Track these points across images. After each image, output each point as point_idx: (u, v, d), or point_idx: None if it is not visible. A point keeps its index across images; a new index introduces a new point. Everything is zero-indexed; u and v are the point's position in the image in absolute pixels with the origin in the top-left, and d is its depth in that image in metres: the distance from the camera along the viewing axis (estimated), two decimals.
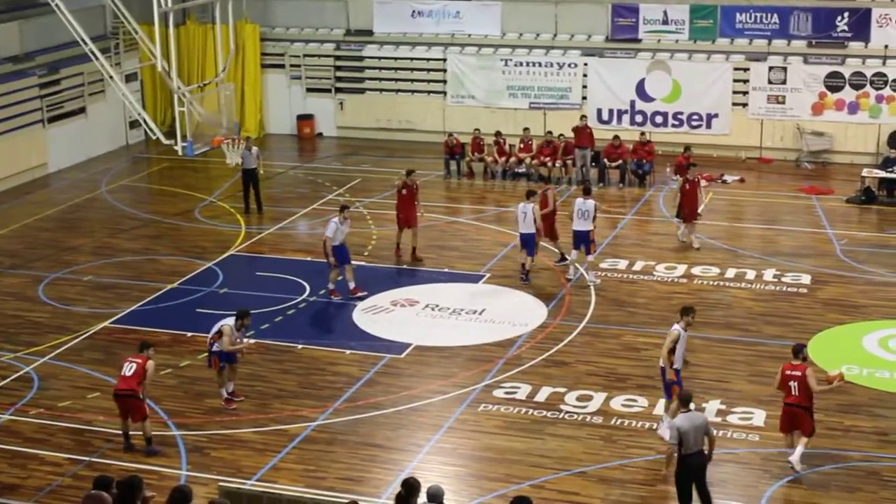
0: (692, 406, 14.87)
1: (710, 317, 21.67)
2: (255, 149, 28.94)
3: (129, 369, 16.82)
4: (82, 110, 34.46)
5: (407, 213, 25.04)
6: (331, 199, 29.28)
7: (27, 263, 25.39)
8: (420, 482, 12.83)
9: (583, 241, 23.49)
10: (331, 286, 23.01)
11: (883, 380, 19.04)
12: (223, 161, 30.32)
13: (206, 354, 18.89)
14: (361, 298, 22.71)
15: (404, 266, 24.70)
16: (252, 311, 21.94)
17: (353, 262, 23.17)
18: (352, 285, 22.91)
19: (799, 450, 16.05)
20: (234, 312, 18.54)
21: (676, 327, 16.89)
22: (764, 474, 16.11)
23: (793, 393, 16.02)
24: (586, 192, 23.89)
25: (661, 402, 17.70)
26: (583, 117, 31.93)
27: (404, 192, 25.07)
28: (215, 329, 18.36)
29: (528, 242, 23.39)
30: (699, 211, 25.81)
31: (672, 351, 16.76)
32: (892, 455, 16.61)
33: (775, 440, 16.92)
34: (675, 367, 16.84)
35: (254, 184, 28.79)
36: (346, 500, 13.59)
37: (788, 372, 16.10)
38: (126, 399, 16.78)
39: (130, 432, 16.97)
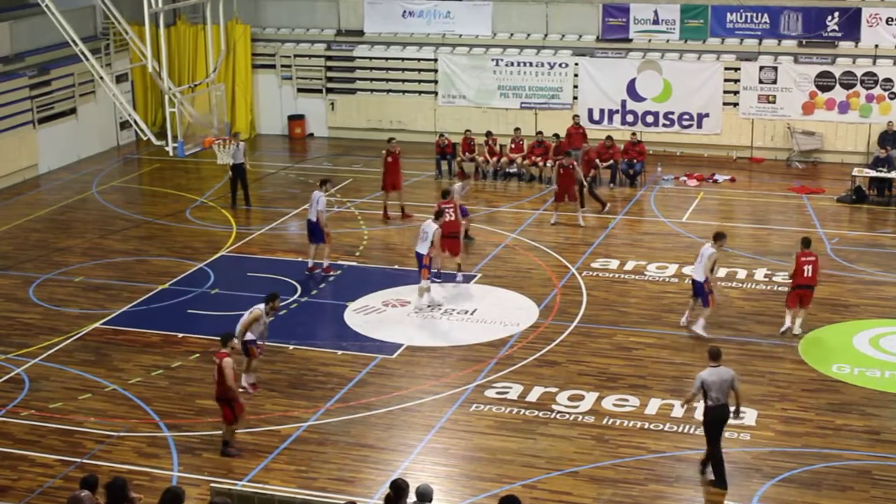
0: (720, 362, 15.81)
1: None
2: (242, 144, 29.21)
3: (215, 373, 16.62)
4: (73, 111, 34.39)
5: (393, 177, 27.76)
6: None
7: (18, 264, 25.34)
8: (408, 483, 12.82)
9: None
10: (326, 263, 24.19)
11: (874, 379, 19.07)
12: (214, 161, 30.33)
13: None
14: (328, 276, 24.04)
15: (395, 266, 24.70)
16: (243, 313, 22.03)
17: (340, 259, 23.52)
18: (326, 263, 24.32)
19: (799, 321, 20.61)
20: (264, 296, 18.93)
21: (712, 250, 20.51)
22: (755, 473, 16.14)
23: (806, 275, 20.43)
24: (436, 216, 22.61)
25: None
26: (575, 117, 31.96)
27: (389, 159, 27.72)
28: (247, 316, 18.46)
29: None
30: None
31: (711, 269, 20.59)
32: (882, 454, 16.64)
33: (767, 439, 16.98)
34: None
35: (242, 178, 29.06)
36: (336, 501, 13.58)
37: (803, 259, 20.49)
38: (220, 402, 16.74)
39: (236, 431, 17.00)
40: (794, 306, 20.67)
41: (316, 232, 24.07)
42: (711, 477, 15.88)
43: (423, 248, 22.19)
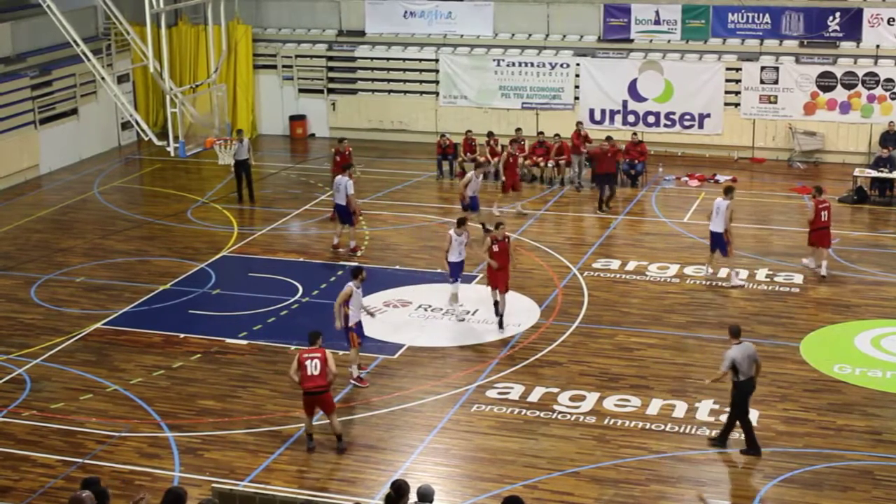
0: (742, 338, 16.64)
1: (703, 317, 21.69)
2: (245, 140, 29.45)
3: (313, 367, 16.61)
4: (74, 111, 34.40)
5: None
6: (323, 200, 29.24)
7: (19, 265, 25.34)
8: (409, 484, 12.81)
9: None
10: (347, 242, 25.53)
11: (875, 379, 19.06)
12: (216, 162, 30.37)
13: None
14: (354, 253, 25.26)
15: (397, 266, 24.70)
16: (244, 313, 22.08)
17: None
18: (337, 241, 25.66)
19: (824, 264, 23.36)
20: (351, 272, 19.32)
21: (727, 202, 22.94)
22: (757, 474, 16.14)
23: (822, 218, 23.34)
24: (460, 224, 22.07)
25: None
26: (578, 124, 31.62)
27: (338, 158, 28.30)
28: (340, 297, 18.78)
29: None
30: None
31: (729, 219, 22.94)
32: (884, 454, 16.64)
33: (768, 440, 16.97)
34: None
35: (246, 174, 29.32)
36: (338, 502, 13.57)
37: (820, 206, 23.38)
38: (319, 396, 16.70)
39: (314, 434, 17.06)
40: (815, 246, 23.61)
41: (344, 214, 25.10)
42: (730, 448, 16.68)
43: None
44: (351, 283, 18.91)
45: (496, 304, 21.33)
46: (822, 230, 23.55)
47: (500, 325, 21.26)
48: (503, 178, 28.35)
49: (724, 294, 22.81)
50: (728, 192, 23.44)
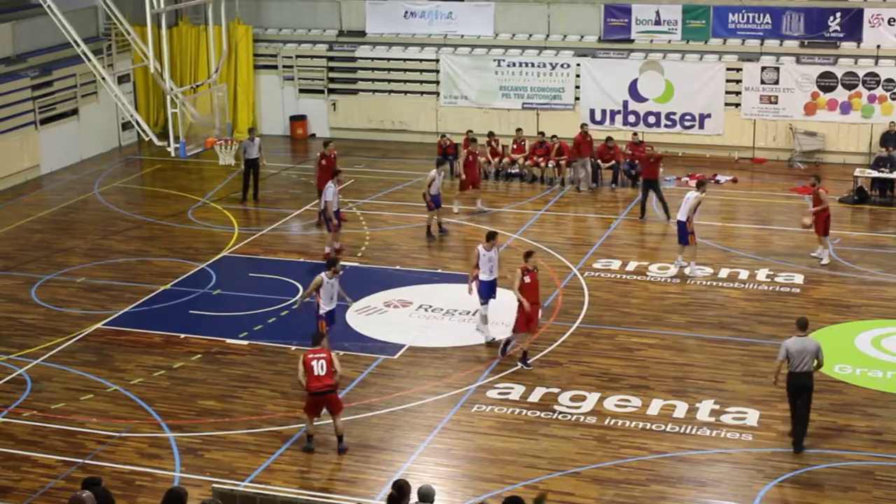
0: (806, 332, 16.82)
1: (703, 317, 21.69)
2: (257, 139, 29.52)
3: (320, 367, 16.60)
4: (75, 112, 34.39)
5: (325, 180, 26.11)
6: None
7: (20, 265, 25.34)
8: (411, 484, 12.82)
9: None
10: (331, 247, 24.86)
11: (876, 379, 19.06)
12: (216, 162, 30.38)
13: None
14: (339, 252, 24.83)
15: (398, 267, 24.70)
16: (244, 313, 22.08)
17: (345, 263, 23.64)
18: (338, 245, 25.19)
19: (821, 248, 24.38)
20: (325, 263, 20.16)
21: (696, 194, 23.62)
22: (758, 474, 16.14)
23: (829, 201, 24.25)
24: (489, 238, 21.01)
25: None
26: (584, 125, 31.36)
27: (323, 161, 27.62)
28: (313, 285, 19.40)
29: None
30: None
31: (694, 209, 23.44)
32: (885, 454, 16.64)
33: (769, 440, 16.98)
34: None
35: (254, 173, 29.29)
36: (338, 502, 13.57)
37: (823, 191, 24.25)
38: (328, 395, 16.69)
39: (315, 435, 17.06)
40: (827, 234, 24.39)
41: (337, 216, 25.31)
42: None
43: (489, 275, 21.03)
44: (323, 274, 19.36)
45: (507, 344, 19.97)
46: (830, 214, 24.38)
47: (515, 356, 19.84)
48: (462, 177, 28.58)
49: (725, 295, 22.81)
50: (700, 185, 24.37)
